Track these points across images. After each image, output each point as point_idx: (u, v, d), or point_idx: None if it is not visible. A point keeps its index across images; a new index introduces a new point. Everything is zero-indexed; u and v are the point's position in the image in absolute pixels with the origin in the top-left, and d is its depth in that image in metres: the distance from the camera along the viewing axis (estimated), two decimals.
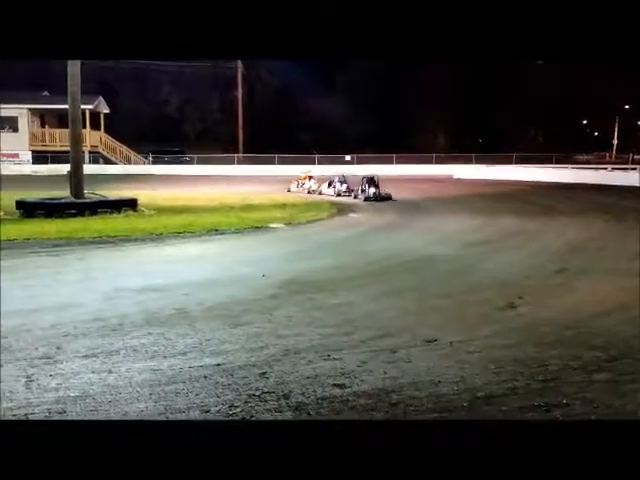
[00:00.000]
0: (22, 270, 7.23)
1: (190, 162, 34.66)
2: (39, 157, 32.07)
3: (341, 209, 14.41)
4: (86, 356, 4.03)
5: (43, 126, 34.21)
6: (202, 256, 8.35)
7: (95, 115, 32.73)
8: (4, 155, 31.76)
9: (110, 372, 3.72)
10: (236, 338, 4.37)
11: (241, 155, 36.27)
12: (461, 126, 41.76)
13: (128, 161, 33.96)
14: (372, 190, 16.76)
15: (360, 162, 33.92)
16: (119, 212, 13.13)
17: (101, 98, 33.25)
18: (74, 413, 3.12)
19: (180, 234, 10.09)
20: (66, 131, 31.38)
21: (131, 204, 13.75)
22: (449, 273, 7.01)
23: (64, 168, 26.83)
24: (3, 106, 32.29)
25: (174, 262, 7.83)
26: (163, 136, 36.88)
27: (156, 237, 9.85)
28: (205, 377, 3.60)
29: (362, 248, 9.01)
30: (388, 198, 16.55)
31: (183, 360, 3.92)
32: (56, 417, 3.03)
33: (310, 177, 20.55)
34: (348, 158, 34.44)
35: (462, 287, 6.21)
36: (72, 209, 13.01)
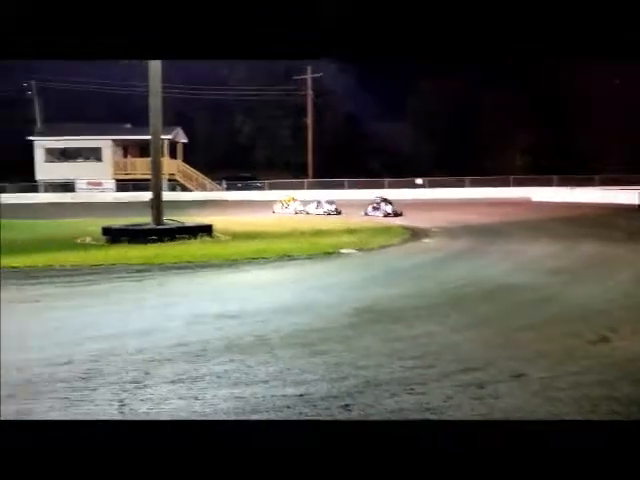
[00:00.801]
0: (110, 295, 7.59)
1: (261, 188, 35.53)
2: (121, 185, 33.85)
3: (414, 234, 14.26)
4: (173, 382, 4.14)
5: (125, 156, 36.22)
6: (276, 282, 8.46)
7: (173, 144, 34.29)
8: (90, 183, 33.75)
9: (196, 399, 3.80)
10: (315, 367, 4.36)
11: (311, 180, 36.80)
12: (539, 147, 40.43)
13: (203, 188, 35.23)
14: (389, 207, 20.53)
15: (432, 185, 33.59)
16: (195, 238, 13.58)
17: (179, 129, 34.86)
18: None
19: (254, 260, 10.28)
20: (146, 160, 33.04)
21: (207, 230, 14.21)
22: (531, 302, 6.74)
23: (144, 195, 28.16)
24: (89, 138, 34.51)
25: (249, 288, 7.98)
26: (236, 163, 38.05)
27: (231, 263, 10.09)
28: (288, 407, 3.60)
29: (438, 276, 8.84)
30: (400, 214, 20.05)
31: (265, 388, 3.95)
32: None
33: (294, 199, 23.78)
34: (419, 182, 34.17)
35: (547, 318, 5.95)
36: (153, 235, 13.59)
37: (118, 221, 16.25)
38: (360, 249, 11.56)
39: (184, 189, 34.25)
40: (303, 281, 8.55)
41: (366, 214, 20.62)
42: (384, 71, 35.40)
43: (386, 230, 15.12)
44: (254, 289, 7.88)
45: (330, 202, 22.21)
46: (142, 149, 34.43)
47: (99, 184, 34.06)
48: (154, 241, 13.13)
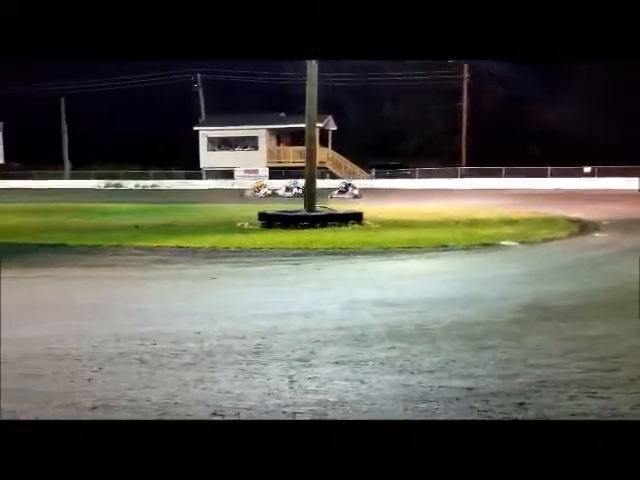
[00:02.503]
0: (271, 277, 7.98)
1: (411, 176, 35.16)
2: (274, 172, 35.51)
3: (583, 227, 13.19)
4: (337, 363, 4.22)
5: (279, 144, 37.85)
6: (431, 273, 8.31)
7: (324, 132, 35.15)
8: (247, 171, 35.86)
9: (362, 382, 3.83)
10: (483, 362, 4.19)
11: (464, 168, 35.64)
12: None
13: (353, 176, 35.74)
14: (356, 191, 26.07)
15: (602, 175, 30.73)
16: (346, 225, 13.81)
17: (330, 117, 35.61)
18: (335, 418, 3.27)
19: (407, 249, 10.19)
20: (298, 148, 34.36)
21: (357, 218, 14.37)
22: None
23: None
24: (246, 127, 36.58)
25: (404, 277, 7.92)
26: (385, 150, 37.96)
27: (384, 251, 10.09)
28: (457, 399, 3.50)
29: (612, 273, 8.08)
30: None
31: (431, 379, 3.88)
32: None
33: (263, 185, 28.88)
34: (587, 170, 31.50)
35: None
36: (305, 221, 14.05)
37: (272, 207, 17.08)
38: (522, 242, 10.94)
39: (333, 177, 35.00)
40: (461, 272, 8.31)
41: (331, 197, 24.56)
42: None
43: (550, 222, 14.14)
44: (410, 278, 7.81)
45: (298, 187, 26.02)
46: (293, 137, 35.78)
47: (255, 171, 36.03)
48: (306, 227, 13.58)
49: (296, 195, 25.33)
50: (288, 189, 27.32)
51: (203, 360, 4.31)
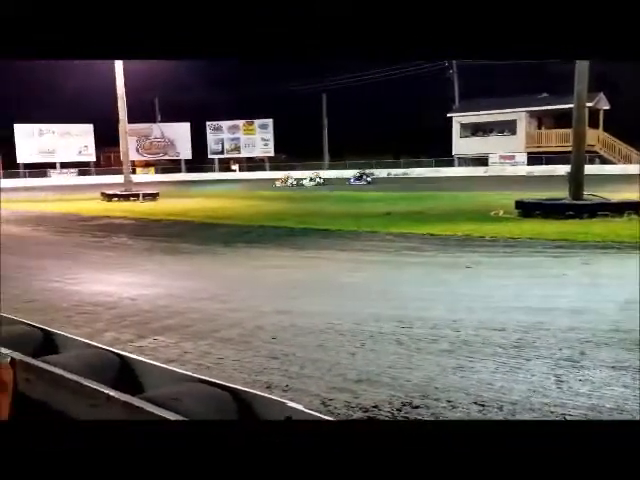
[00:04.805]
0: (531, 268, 7.52)
1: None
2: (533, 158, 33.32)
3: None
4: (613, 367, 3.78)
5: (539, 128, 35.36)
6: None
7: (594, 112, 31.71)
8: (502, 157, 34.38)
9: None
10: None
11: None
12: None
13: (628, 161, 31.60)
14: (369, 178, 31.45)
15: None
16: (621, 216, 12.26)
17: (601, 94, 31.97)
18: None
19: None
20: (561, 131, 31.64)
21: (635, 207, 12.64)
22: None
23: (558, 169, 27.05)
24: (504, 111, 34.99)
25: None
26: None
27: None
28: None
29: None
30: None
31: None
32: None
33: (288, 177, 33.73)
34: None
35: None
36: (570, 211, 12.90)
37: (530, 195, 16.06)
38: None
39: (604, 162, 31.39)
40: None
41: (349, 184, 30.02)
42: None
43: None
44: None
45: (319, 177, 33.38)
46: (556, 119, 33.04)
47: (511, 157, 34.33)
48: (571, 217, 12.46)
49: (318, 184, 31.66)
50: (312, 179, 32.77)
51: (460, 348, 4.26)
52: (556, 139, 32.46)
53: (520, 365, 3.86)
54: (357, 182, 30.93)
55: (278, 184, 33.23)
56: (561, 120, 30.67)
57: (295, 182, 33.22)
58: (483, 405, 3.22)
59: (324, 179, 33.67)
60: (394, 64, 37.85)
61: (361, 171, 33.46)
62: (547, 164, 30.52)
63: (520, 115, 34.65)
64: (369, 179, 31.40)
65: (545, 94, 34.38)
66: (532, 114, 34.79)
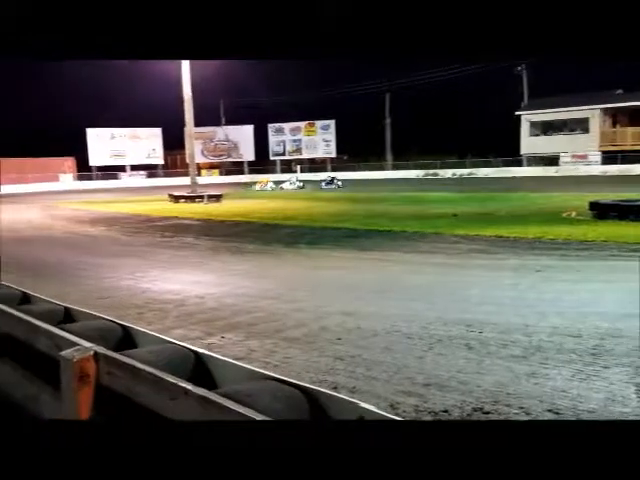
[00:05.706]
0: (606, 273, 7.21)
1: None
2: (608, 157, 31.83)
3: None
4: None
5: (614, 125, 33.74)
6: None
7: None
8: (575, 156, 33.04)
9: None
10: None
11: None
12: None
13: None
14: (339, 182, 32.94)
15: None
16: None
17: None
18: None
19: None
20: (638, 129, 30.06)
21: None
22: None
23: (635, 168, 25.79)
24: (576, 108, 33.62)
25: None
26: None
27: None
28: None
29: None
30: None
31: None
32: None
33: (268, 181, 34.75)
34: None
35: None
36: None
37: (605, 196, 15.33)
38: None
39: None
40: None
41: (321, 188, 31.59)
42: None
43: None
44: None
45: (298, 180, 34.25)
46: (632, 117, 31.42)
47: (584, 157, 32.92)
48: None
49: (298, 187, 32.60)
50: (291, 183, 33.52)
51: (534, 354, 4.11)
52: (631, 137, 30.86)
53: (597, 373, 3.68)
54: (328, 186, 32.30)
55: (257, 187, 34.39)
56: (636, 117, 29.17)
57: (274, 185, 34.13)
58: (558, 413, 3.09)
59: (303, 182, 34.75)
60: (395, 64, 38.21)
61: (331, 176, 34.92)
62: (623, 163, 29.04)
63: (594, 112, 33.18)
64: (339, 183, 32.69)
65: (620, 90, 32.77)
66: (607, 111, 33.24)
